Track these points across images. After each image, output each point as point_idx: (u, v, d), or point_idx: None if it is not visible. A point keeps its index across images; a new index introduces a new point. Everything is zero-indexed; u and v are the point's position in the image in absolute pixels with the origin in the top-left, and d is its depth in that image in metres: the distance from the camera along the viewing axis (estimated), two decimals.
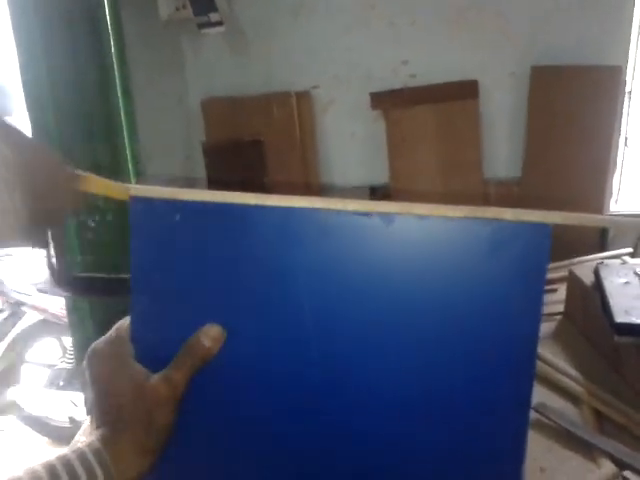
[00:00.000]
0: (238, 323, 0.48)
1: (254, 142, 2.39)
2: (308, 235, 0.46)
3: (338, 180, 2.55)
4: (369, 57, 2.37)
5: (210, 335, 0.47)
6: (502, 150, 2.34)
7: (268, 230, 0.47)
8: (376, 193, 2.41)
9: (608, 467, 0.74)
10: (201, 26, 2.34)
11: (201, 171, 2.57)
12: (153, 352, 0.48)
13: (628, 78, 2.20)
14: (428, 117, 2.25)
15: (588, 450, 0.79)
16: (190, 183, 2.57)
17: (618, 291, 1.03)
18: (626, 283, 1.06)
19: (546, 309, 1.28)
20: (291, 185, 2.36)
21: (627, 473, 0.73)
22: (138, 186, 0.49)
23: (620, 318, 0.92)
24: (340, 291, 0.46)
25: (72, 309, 1.83)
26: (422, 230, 0.45)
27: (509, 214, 0.43)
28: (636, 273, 1.10)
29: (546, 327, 1.20)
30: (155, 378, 0.47)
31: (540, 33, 2.20)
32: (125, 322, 0.51)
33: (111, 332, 0.51)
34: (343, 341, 0.47)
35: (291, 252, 0.47)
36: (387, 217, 0.45)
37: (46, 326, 2.55)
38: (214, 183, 2.47)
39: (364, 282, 0.46)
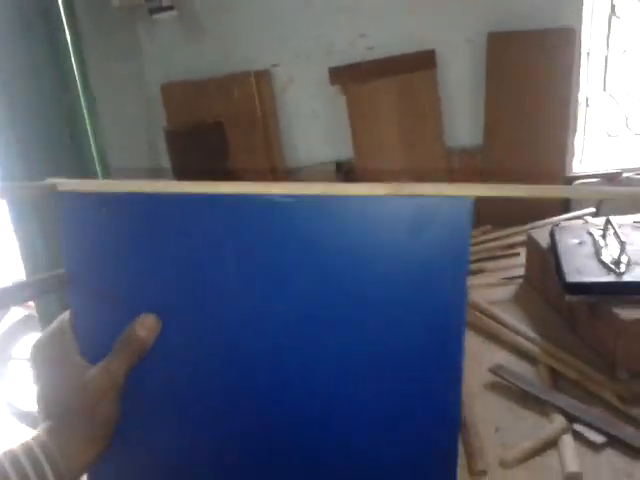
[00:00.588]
0: (172, 312, 0.49)
1: (215, 124, 2.36)
2: (233, 221, 0.46)
3: (303, 158, 2.54)
4: (327, 32, 2.35)
5: (145, 325, 0.48)
6: (463, 119, 2.35)
7: (192, 218, 0.47)
8: (342, 168, 2.42)
9: (559, 421, 0.77)
10: (153, 11, 2.30)
11: (165, 159, 2.54)
12: (94, 344, 0.49)
13: (585, 39, 2.22)
14: (387, 89, 2.24)
15: (542, 407, 0.82)
16: (155, 173, 2.55)
17: (571, 251, 1.05)
18: (580, 243, 1.08)
19: (507, 273, 1.31)
20: (253, 167, 2.35)
21: (577, 426, 0.76)
22: (64, 180, 0.48)
23: (571, 278, 0.94)
24: (266, 275, 0.47)
25: (40, 302, 1.82)
26: (346, 210, 0.45)
27: (430, 189, 0.43)
28: (589, 233, 1.12)
29: (507, 291, 1.23)
30: (95, 370, 0.47)
31: None
32: (67, 314, 0.51)
33: (53, 325, 0.51)
34: (272, 322, 0.48)
35: (217, 239, 0.47)
36: (311, 199, 0.45)
37: (32, 321, 2.54)
38: (179, 171, 2.45)
39: (290, 265, 0.46)
